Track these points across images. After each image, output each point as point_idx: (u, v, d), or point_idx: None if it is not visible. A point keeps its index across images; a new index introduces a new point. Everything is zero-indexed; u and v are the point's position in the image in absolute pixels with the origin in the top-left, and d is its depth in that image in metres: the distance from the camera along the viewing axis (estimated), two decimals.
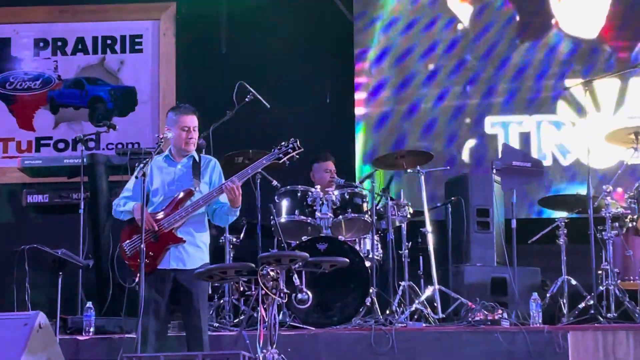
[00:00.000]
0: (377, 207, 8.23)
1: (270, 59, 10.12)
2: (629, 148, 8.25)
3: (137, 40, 10.34)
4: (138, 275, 6.34)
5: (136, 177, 6.42)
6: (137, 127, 10.14)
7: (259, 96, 8.07)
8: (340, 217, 8.05)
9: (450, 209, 8.73)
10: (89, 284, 8.28)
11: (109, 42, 10.34)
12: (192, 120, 6.71)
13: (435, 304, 7.97)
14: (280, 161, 6.71)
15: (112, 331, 7.54)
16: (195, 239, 6.64)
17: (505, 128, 10.05)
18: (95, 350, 7.24)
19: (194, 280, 6.46)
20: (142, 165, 6.42)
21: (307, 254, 6.22)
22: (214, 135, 8.01)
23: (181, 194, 6.60)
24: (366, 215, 8.08)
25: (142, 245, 6.26)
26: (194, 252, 6.63)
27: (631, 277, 8.17)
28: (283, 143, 6.71)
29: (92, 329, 7.50)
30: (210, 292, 8.11)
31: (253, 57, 10.09)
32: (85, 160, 8.47)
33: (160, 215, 6.57)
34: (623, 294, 7.87)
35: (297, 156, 6.74)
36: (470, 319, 7.51)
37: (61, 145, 10.20)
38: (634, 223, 8.16)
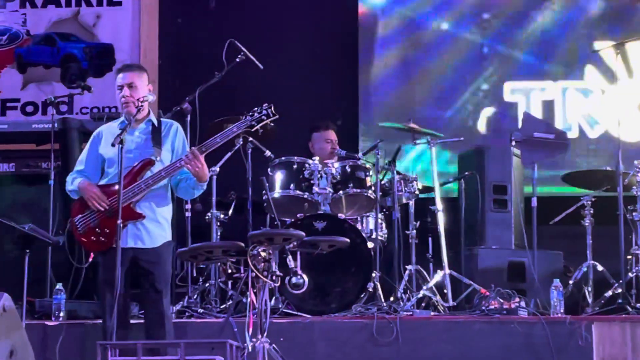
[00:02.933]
0: (382, 182, 8.22)
1: (264, 15, 10.10)
2: None
3: None
4: (92, 255, 6.35)
5: (112, 145, 6.40)
6: (114, 90, 10.07)
7: (251, 56, 8.04)
8: (341, 192, 8.05)
9: (463, 184, 8.72)
10: (59, 264, 8.27)
11: None
12: (126, 78, 6.66)
13: (445, 291, 7.99)
14: (253, 129, 6.69)
15: (84, 316, 7.55)
16: (156, 215, 6.61)
17: (526, 95, 10.06)
18: (65, 337, 7.23)
19: (154, 259, 6.49)
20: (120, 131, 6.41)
21: (303, 233, 6.23)
22: (201, 99, 7.98)
23: (139, 164, 6.58)
24: (369, 191, 8.08)
25: (119, 222, 6.24)
26: (154, 229, 6.60)
27: None
28: (256, 109, 6.66)
29: (62, 314, 7.50)
30: (195, 274, 8.14)
31: (245, 12, 10.07)
32: (56, 125, 8.46)
33: (115, 188, 6.51)
34: None
35: (272, 124, 6.72)
36: (484, 308, 7.51)
37: (29, 109, 10.18)
38: None
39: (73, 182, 6.66)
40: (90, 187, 6.55)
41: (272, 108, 6.66)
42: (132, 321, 6.80)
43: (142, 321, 6.80)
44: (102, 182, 6.64)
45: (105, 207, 6.50)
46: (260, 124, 6.67)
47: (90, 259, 6.53)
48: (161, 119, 6.83)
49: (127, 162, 6.51)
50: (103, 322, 6.54)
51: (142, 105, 6.59)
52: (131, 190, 6.50)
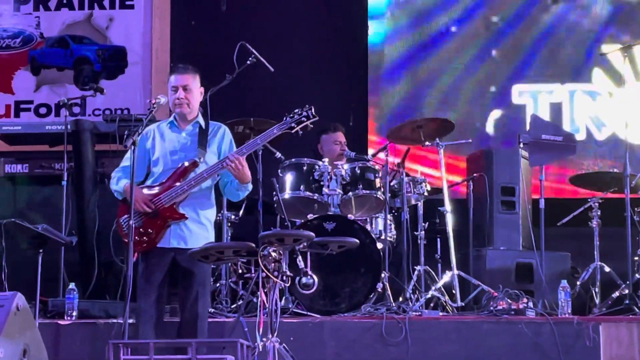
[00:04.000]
0: (391, 184, 8.23)
1: (274, 17, 10.11)
2: None
3: None
4: (136, 254, 6.40)
5: (124, 147, 6.43)
6: (127, 91, 10.15)
7: (262, 58, 8.06)
8: (350, 193, 8.06)
9: (472, 186, 8.72)
10: (72, 264, 8.30)
11: None
12: (182, 79, 6.71)
13: (454, 291, 7.99)
14: (293, 131, 6.70)
15: (97, 315, 7.56)
16: (199, 216, 6.65)
17: (534, 98, 10.06)
18: (78, 336, 7.26)
19: (196, 260, 6.49)
20: (132, 133, 6.41)
21: (313, 234, 6.24)
22: (212, 101, 7.98)
23: (184, 165, 6.61)
24: (379, 192, 8.09)
25: (131, 222, 6.27)
26: (197, 230, 6.64)
27: None
28: (297, 110, 6.69)
29: (74, 313, 7.50)
30: None
31: (256, 14, 10.08)
32: (69, 126, 8.48)
33: (157, 190, 6.57)
34: None
35: (311, 125, 6.73)
36: (492, 308, 7.51)
37: (43, 110, 10.21)
38: None
39: (118, 182, 6.69)
40: (135, 189, 6.49)
41: (312, 110, 6.67)
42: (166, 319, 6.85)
43: (175, 320, 6.83)
44: (148, 182, 6.67)
45: (148, 209, 6.53)
46: (301, 126, 6.69)
47: (134, 259, 6.51)
48: (209, 121, 6.84)
49: (173, 163, 6.63)
50: (136, 320, 6.52)
51: (155, 108, 6.62)
52: (174, 190, 6.54)
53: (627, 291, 7.77)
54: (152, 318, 6.46)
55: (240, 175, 6.56)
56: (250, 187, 6.75)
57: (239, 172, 6.53)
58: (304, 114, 6.67)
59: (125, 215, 6.59)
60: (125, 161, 6.76)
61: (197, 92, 6.77)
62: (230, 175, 6.63)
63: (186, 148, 6.70)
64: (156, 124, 6.89)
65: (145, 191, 6.60)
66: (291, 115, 6.69)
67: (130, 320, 6.37)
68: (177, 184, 6.56)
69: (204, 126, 6.77)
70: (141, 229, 6.54)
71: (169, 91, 6.73)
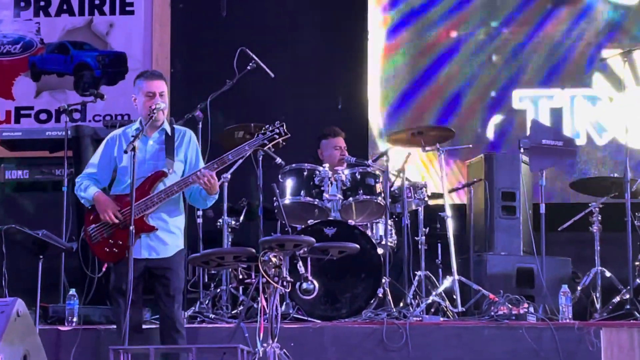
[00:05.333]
0: (392, 189, 8.21)
1: (274, 24, 10.11)
2: None
3: (128, 1, 10.31)
4: (105, 264, 6.38)
5: (125, 152, 6.42)
6: (127, 97, 9.98)
7: (262, 64, 8.06)
8: (351, 199, 8.05)
9: (472, 191, 8.71)
10: (72, 270, 8.29)
11: (97, 2, 10.32)
12: (159, 86, 6.68)
13: (455, 297, 7.98)
14: (265, 147, 6.72)
15: (97, 321, 7.56)
16: (168, 225, 6.64)
17: (534, 103, 10.04)
18: (78, 342, 7.24)
19: (168, 266, 6.53)
20: (132, 138, 6.41)
21: (314, 239, 6.22)
22: (212, 107, 7.99)
23: (152, 177, 6.58)
24: (379, 198, 8.07)
25: (131, 228, 6.26)
26: (168, 239, 6.63)
27: None
28: (268, 127, 6.68)
29: (75, 319, 7.51)
30: (206, 279, 8.14)
31: (256, 20, 10.07)
32: (69, 132, 8.46)
33: (127, 200, 6.50)
34: None
35: (284, 143, 6.72)
36: (492, 313, 7.51)
37: (43, 116, 10.20)
38: None
39: (87, 190, 6.67)
40: (105, 200, 6.56)
41: (284, 127, 6.66)
42: (145, 326, 6.83)
43: (155, 326, 6.82)
44: (116, 191, 6.67)
45: (119, 219, 6.52)
46: (272, 143, 6.69)
47: (104, 269, 6.53)
48: (174, 127, 6.83)
49: (142, 172, 6.55)
50: (117, 328, 6.55)
51: (155, 114, 6.60)
52: (144, 203, 6.52)
53: (627, 296, 7.76)
54: (131, 325, 6.37)
55: (210, 188, 6.55)
56: (217, 196, 6.74)
57: (210, 185, 6.52)
58: (276, 130, 6.67)
59: (93, 225, 6.60)
60: (90, 167, 6.78)
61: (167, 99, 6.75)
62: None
63: (154, 156, 6.67)
64: (121, 129, 6.85)
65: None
66: (262, 131, 6.68)
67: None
68: (147, 196, 6.53)
69: (170, 133, 6.74)
70: (110, 240, 6.55)
71: (141, 97, 6.67)
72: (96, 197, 6.59)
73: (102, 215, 6.52)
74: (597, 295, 8.08)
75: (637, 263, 8.02)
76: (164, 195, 6.54)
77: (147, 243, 6.57)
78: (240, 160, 7.54)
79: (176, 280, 6.61)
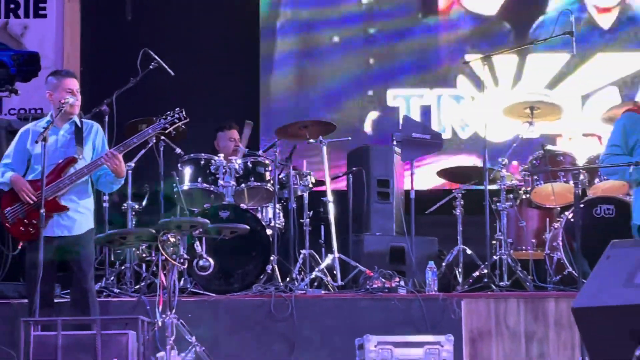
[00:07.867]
0: (280, 176, 8.22)
1: (176, 25, 10.03)
2: (525, 122, 8.43)
3: (41, 5, 10.10)
4: (21, 242, 6.33)
5: (36, 142, 6.34)
6: (40, 93, 9.78)
7: (163, 64, 7.98)
8: (243, 185, 8.04)
9: (351, 179, 8.76)
10: None
11: (12, 6, 10.09)
12: (76, 83, 6.66)
13: (335, 272, 8.01)
14: (166, 131, 6.70)
15: (11, 296, 7.40)
16: (79, 205, 6.56)
17: (407, 101, 10.15)
18: None
19: (79, 242, 6.45)
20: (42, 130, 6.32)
21: (208, 221, 6.20)
22: (118, 102, 7.89)
23: (63, 162, 6.50)
24: (268, 184, 8.08)
25: (42, 211, 6.19)
26: (78, 218, 6.55)
27: (523, 247, 8.39)
28: (169, 112, 6.67)
29: None
30: (112, 258, 8.04)
31: (158, 24, 9.98)
32: None
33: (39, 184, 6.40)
34: (515, 263, 8.03)
35: (183, 126, 6.70)
36: (368, 287, 7.55)
37: None
38: (528, 195, 8.33)
39: (4, 175, 6.56)
40: (22, 181, 6.47)
41: (184, 112, 6.65)
42: (56, 300, 6.72)
43: (65, 300, 6.71)
44: (29, 178, 6.55)
45: (33, 199, 6.40)
46: (173, 127, 6.66)
47: (20, 247, 6.41)
48: (83, 120, 6.76)
49: (54, 159, 6.48)
50: (29, 302, 6.42)
51: (65, 107, 6.51)
52: (56, 185, 6.44)
53: (485, 271, 7.87)
54: (44, 299, 6.26)
55: (117, 170, 6.49)
56: (122, 181, 6.69)
57: (117, 167, 6.46)
58: (176, 116, 6.66)
59: (9, 207, 6.50)
60: (6, 158, 6.68)
61: None
62: (104, 169, 6.55)
63: (65, 145, 6.60)
64: (32, 123, 6.79)
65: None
66: (164, 117, 6.67)
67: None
68: (59, 179, 6.46)
69: (79, 125, 6.67)
70: (25, 220, 6.45)
71: (61, 92, 6.58)
72: (13, 179, 6.50)
73: (20, 195, 6.42)
74: (459, 270, 8.17)
75: (493, 242, 8.15)
76: (75, 178, 6.47)
77: (60, 222, 6.49)
78: (145, 149, 7.50)
79: (87, 255, 6.54)
